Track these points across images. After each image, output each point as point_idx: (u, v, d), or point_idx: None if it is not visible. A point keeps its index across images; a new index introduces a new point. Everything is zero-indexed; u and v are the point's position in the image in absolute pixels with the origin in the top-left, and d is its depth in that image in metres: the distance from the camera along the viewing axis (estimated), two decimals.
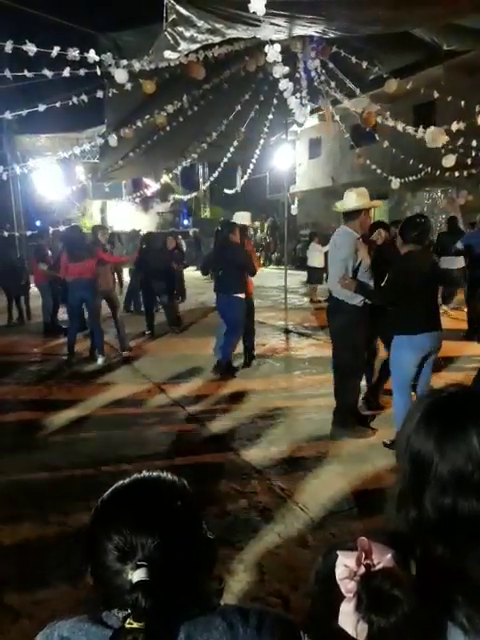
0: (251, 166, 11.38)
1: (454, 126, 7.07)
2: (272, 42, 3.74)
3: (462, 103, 7.12)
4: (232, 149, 9.68)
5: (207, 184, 13.58)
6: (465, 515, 0.88)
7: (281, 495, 3.44)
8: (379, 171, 10.44)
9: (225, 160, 10.08)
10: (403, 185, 10.45)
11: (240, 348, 6.46)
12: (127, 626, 0.76)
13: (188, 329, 8.92)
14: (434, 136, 6.88)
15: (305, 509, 3.26)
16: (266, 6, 3.19)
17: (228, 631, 0.86)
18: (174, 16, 3.58)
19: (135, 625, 0.76)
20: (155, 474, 0.95)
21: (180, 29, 3.88)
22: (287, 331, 8.50)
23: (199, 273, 10.17)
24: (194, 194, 16.61)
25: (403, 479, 0.97)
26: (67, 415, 4.92)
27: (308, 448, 4.12)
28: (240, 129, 9.33)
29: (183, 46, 4.85)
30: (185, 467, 3.79)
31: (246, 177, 11.61)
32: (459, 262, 9.01)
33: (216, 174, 11.54)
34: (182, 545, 0.84)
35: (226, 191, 14.04)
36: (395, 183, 9.87)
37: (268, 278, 14.18)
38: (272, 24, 3.82)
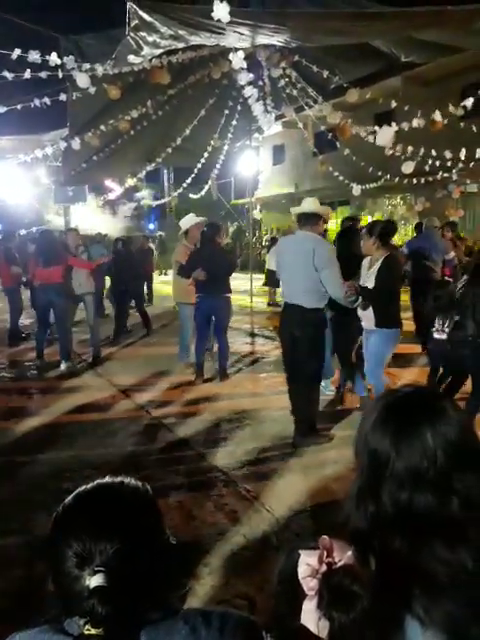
0: (216, 171, 11.43)
1: (408, 129, 7.29)
2: (236, 49, 3.79)
3: (419, 113, 7.35)
4: (206, 155, 9.72)
5: (179, 190, 13.53)
6: (420, 510, 0.91)
7: (247, 497, 3.47)
8: (341, 178, 10.66)
9: (199, 166, 10.10)
10: (364, 192, 10.70)
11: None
12: (85, 633, 0.76)
13: (153, 334, 8.87)
14: (383, 135, 7.08)
15: (271, 510, 3.30)
16: (229, 14, 3.24)
17: (191, 635, 0.86)
18: (137, 21, 3.59)
19: (93, 631, 0.76)
20: (118, 480, 0.95)
21: (143, 34, 3.89)
22: (253, 334, 8.56)
23: (164, 276, 10.11)
24: (163, 200, 16.54)
25: (361, 476, 0.99)
26: (29, 423, 4.81)
27: (273, 449, 4.17)
28: (209, 136, 9.39)
29: (146, 51, 4.85)
30: (150, 472, 3.77)
31: (211, 183, 11.66)
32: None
33: (189, 180, 11.53)
34: (142, 551, 0.84)
35: (192, 196, 14.05)
36: (356, 190, 10.10)
37: (233, 282, 14.23)
38: (235, 32, 3.87)
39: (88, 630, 0.76)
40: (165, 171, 22.33)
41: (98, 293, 10.03)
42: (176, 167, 18.40)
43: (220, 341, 6.10)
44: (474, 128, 7.14)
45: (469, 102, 6.75)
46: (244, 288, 12.09)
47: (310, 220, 4.12)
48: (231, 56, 3.96)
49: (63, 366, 6.62)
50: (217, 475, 3.77)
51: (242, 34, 3.87)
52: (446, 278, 7.33)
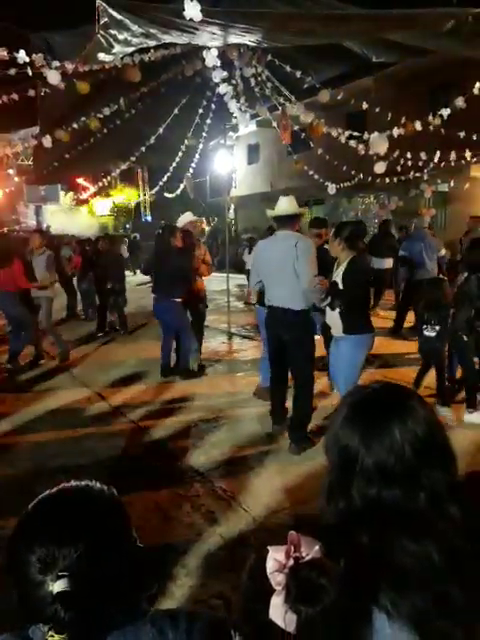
0: (191, 170, 11.39)
1: (388, 134, 7.38)
2: (209, 48, 3.78)
3: (389, 114, 7.45)
4: (180, 154, 9.68)
5: (155, 189, 13.43)
6: (389, 504, 0.93)
7: (223, 497, 3.47)
8: (316, 177, 10.74)
9: (174, 165, 10.05)
10: (339, 191, 10.80)
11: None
12: (48, 639, 0.76)
13: (129, 334, 8.79)
14: (376, 142, 7.16)
15: (248, 509, 3.31)
16: (201, 13, 3.23)
17: (158, 637, 0.86)
18: (106, 19, 3.54)
19: (57, 638, 0.75)
20: (83, 483, 0.94)
21: (113, 32, 3.85)
22: (230, 334, 8.56)
23: (138, 277, 10.03)
24: (139, 200, 16.38)
25: (332, 472, 1.01)
26: (0, 427, 4.73)
27: (250, 448, 4.17)
28: (183, 135, 9.36)
29: (117, 49, 4.80)
30: (126, 474, 3.75)
31: (187, 182, 11.61)
32: (387, 263, 9.42)
33: (165, 179, 11.46)
34: (107, 554, 0.84)
35: (167, 195, 13.95)
36: (331, 189, 10.19)
37: (210, 282, 14.18)
38: (207, 31, 3.86)
39: (51, 636, 0.75)
40: (140, 170, 22.16)
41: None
42: (150, 166, 18.26)
43: (179, 340, 6.05)
44: (443, 130, 7.26)
45: (446, 112, 6.87)
46: (222, 287, 12.08)
47: (289, 220, 4.12)
48: (205, 54, 3.93)
49: (9, 365, 6.50)
50: (193, 475, 3.76)
51: (214, 33, 3.87)
52: (440, 276, 7.50)
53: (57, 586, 0.78)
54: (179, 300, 5.81)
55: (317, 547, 0.99)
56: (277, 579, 0.94)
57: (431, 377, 4.92)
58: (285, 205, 4.16)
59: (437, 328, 4.69)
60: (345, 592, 0.92)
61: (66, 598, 0.76)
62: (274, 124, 9.82)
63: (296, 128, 9.28)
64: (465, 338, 4.26)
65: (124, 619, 0.86)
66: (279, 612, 0.92)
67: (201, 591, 2.62)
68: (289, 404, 4.43)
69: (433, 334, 4.72)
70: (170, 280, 5.69)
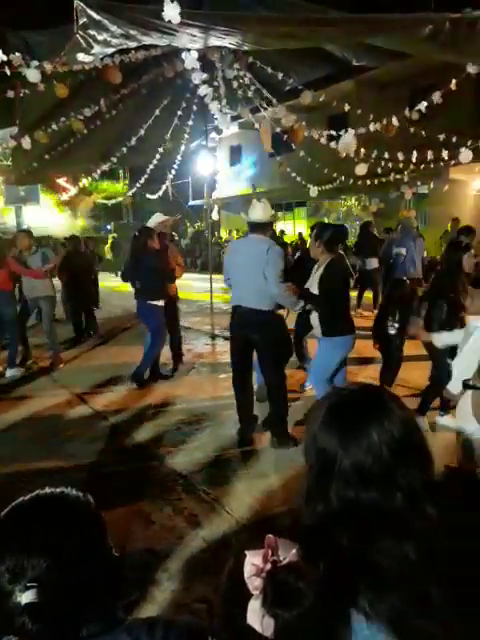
0: (173, 172, 11.35)
1: (363, 134, 7.45)
2: (189, 49, 3.77)
3: (371, 116, 7.52)
4: (158, 156, 9.63)
5: (133, 190, 13.34)
6: (367, 506, 0.93)
7: (206, 500, 3.46)
8: (298, 179, 10.79)
9: (151, 166, 10.00)
10: (320, 193, 10.87)
11: (169, 354, 6.49)
12: None
13: (109, 337, 8.72)
14: (346, 143, 7.21)
15: (230, 512, 3.30)
16: (180, 15, 3.22)
17: None
18: (85, 19, 3.51)
19: None
20: (59, 490, 0.93)
21: (92, 33, 3.82)
22: (213, 336, 8.55)
23: (118, 279, 9.91)
24: (119, 199, 16.23)
25: (310, 475, 1.00)
26: None
27: (233, 451, 4.17)
28: (165, 136, 9.32)
29: (97, 50, 4.75)
30: (107, 478, 3.72)
31: (169, 183, 11.57)
32: (373, 263, 9.51)
33: (142, 180, 11.40)
34: (78, 564, 0.83)
35: (149, 196, 13.88)
36: (313, 191, 10.23)
37: (193, 283, 14.17)
38: (187, 34, 3.85)
39: None
40: (121, 171, 22.03)
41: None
42: (132, 167, 18.14)
43: (148, 344, 5.86)
44: (423, 132, 7.35)
45: (423, 105, 6.95)
46: (204, 289, 12.06)
47: (263, 226, 4.15)
48: (184, 56, 3.92)
49: (8, 373, 6.42)
50: (176, 479, 3.74)
51: (194, 36, 3.86)
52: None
53: (25, 597, 0.77)
54: (159, 303, 5.75)
55: (295, 550, 0.99)
56: (255, 583, 0.94)
57: (412, 377, 4.97)
58: (260, 213, 4.15)
59: (397, 326, 4.82)
60: (323, 595, 0.92)
61: (34, 610, 0.75)
62: (256, 126, 9.85)
63: (278, 130, 9.32)
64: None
65: (99, 629, 0.85)
66: (257, 617, 0.92)
67: (184, 595, 2.60)
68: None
69: (393, 331, 4.85)
70: (150, 283, 5.65)
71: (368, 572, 0.90)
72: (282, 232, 16.22)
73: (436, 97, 5.42)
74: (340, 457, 0.95)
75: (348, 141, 7.20)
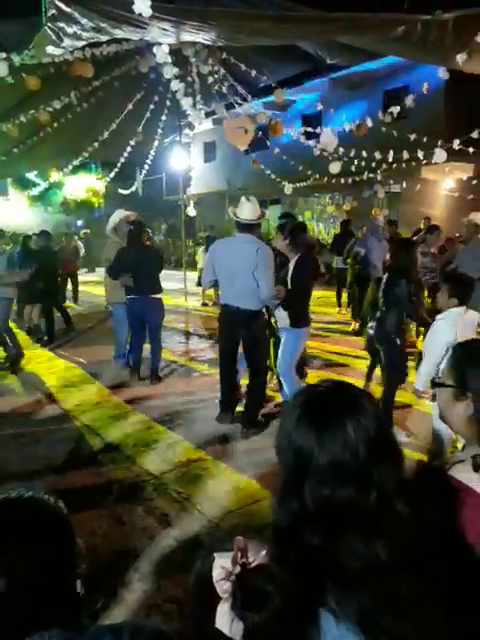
0: (146, 166, 11.24)
1: (339, 132, 7.52)
2: (160, 44, 3.72)
3: (343, 115, 7.58)
4: (129, 149, 9.51)
5: (103, 184, 13.17)
6: (341, 504, 0.91)
7: (178, 499, 3.44)
8: (273, 176, 10.80)
9: (122, 160, 9.87)
10: (295, 190, 10.91)
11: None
12: None
13: (81, 335, 8.59)
14: (326, 138, 7.26)
15: (202, 511, 3.29)
16: (152, 9, 3.18)
17: None
18: (54, 11, 3.43)
19: None
20: (27, 494, 0.90)
21: (62, 25, 3.73)
22: (187, 334, 8.50)
23: (90, 276, 9.76)
24: (89, 194, 16.00)
25: (284, 474, 0.98)
26: None
27: (206, 449, 4.15)
28: (137, 130, 9.20)
29: (68, 42, 4.66)
30: (78, 479, 3.66)
31: (142, 177, 11.46)
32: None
33: (112, 174, 11.26)
34: (40, 570, 0.81)
35: (121, 191, 13.72)
36: (288, 188, 10.27)
37: (167, 280, 14.07)
38: (158, 27, 3.80)
39: None
40: (93, 166, 21.71)
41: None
42: (104, 162, 17.90)
43: (152, 342, 5.99)
44: (395, 132, 7.45)
45: (396, 110, 7.05)
46: (178, 287, 11.98)
47: (251, 226, 4.21)
48: (155, 50, 3.87)
49: None
50: (148, 479, 3.71)
51: (166, 30, 3.81)
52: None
53: None
54: (160, 297, 5.86)
55: (264, 552, 0.99)
56: (223, 587, 0.93)
57: None
58: (249, 213, 4.19)
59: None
60: (291, 595, 0.92)
61: None
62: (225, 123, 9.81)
63: (253, 127, 9.31)
64: (397, 341, 4.33)
65: (60, 637, 0.83)
66: (225, 620, 0.91)
67: (155, 596, 2.58)
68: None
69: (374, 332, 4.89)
70: (151, 277, 5.69)
71: (338, 571, 0.90)
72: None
73: (409, 101, 5.50)
74: (316, 455, 0.93)
75: (327, 140, 7.24)
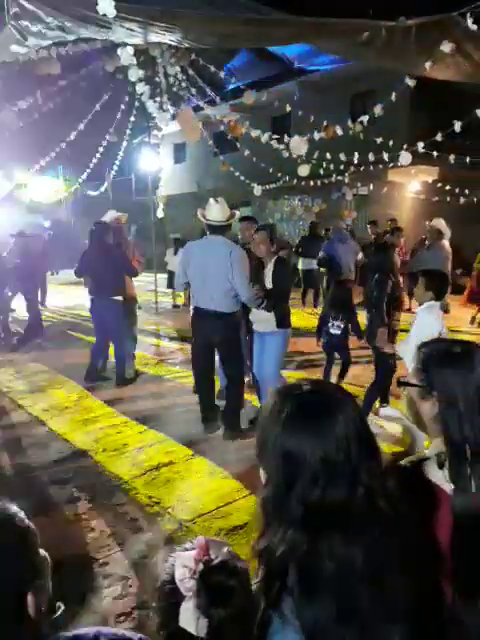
0: (115, 167, 11.13)
1: (309, 137, 7.58)
2: (125, 45, 3.68)
3: (312, 118, 7.66)
4: (101, 149, 9.40)
5: (75, 187, 12.95)
6: (332, 503, 0.91)
7: (148, 503, 3.41)
8: (242, 178, 10.84)
9: (93, 162, 9.76)
10: (265, 192, 10.97)
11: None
12: None
13: (51, 338, 8.43)
14: (296, 144, 7.31)
15: (173, 514, 3.27)
16: (116, 9, 3.14)
17: None
18: (16, 9, 3.36)
19: None
20: None
21: (25, 23, 3.66)
22: (159, 336, 8.44)
23: (56, 275, 9.58)
24: (58, 197, 15.66)
25: (274, 476, 0.96)
26: None
27: (176, 452, 4.13)
28: (106, 131, 9.11)
29: (32, 41, 4.56)
30: (46, 485, 3.60)
31: (111, 177, 11.34)
32: (315, 263, 9.69)
33: (84, 176, 11.09)
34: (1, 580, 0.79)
35: (90, 193, 13.53)
36: (257, 190, 10.32)
37: (136, 281, 13.93)
38: (125, 28, 3.77)
39: None
40: (60, 166, 21.32)
41: None
42: (71, 163, 17.61)
43: (114, 345, 5.89)
44: (362, 136, 7.56)
45: (365, 118, 7.15)
46: (149, 288, 11.87)
47: (222, 228, 4.18)
48: (119, 51, 3.83)
49: None
50: (118, 483, 3.67)
51: (132, 30, 3.78)
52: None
53: None
54: (120, 299, 5.71)
55: (226, 549, 0.99)
56: (187, 585, 0.93)
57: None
58: (218, 214, 4.15)
59: (342, 325, 5.02)
60: (255, 593, 0.92)
61: None
62: (200, 124, 9.80)
63: (221, 129, 9.33)
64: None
65: None
66: (191, 618, 0.91)
67: (126, 602, 2.56)
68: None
69: (339, 332, 5.03)
70: (110, 279, 5.56)
71: (305, 578, 0.89)
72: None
73: (377, 110, 5.61)
74: (308, 456, 0.92)
75: (296, 146, 7.29)
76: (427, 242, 7.86)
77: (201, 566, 0.94)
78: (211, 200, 4.23)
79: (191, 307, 4.54)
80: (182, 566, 0.96)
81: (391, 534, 0.93)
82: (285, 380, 4.53)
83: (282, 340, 4.39)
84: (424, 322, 3.43)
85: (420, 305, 3.58)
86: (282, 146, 8.35)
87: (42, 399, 5.42)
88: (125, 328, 5.96)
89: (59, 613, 0.99)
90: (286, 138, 7.81)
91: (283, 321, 4.35)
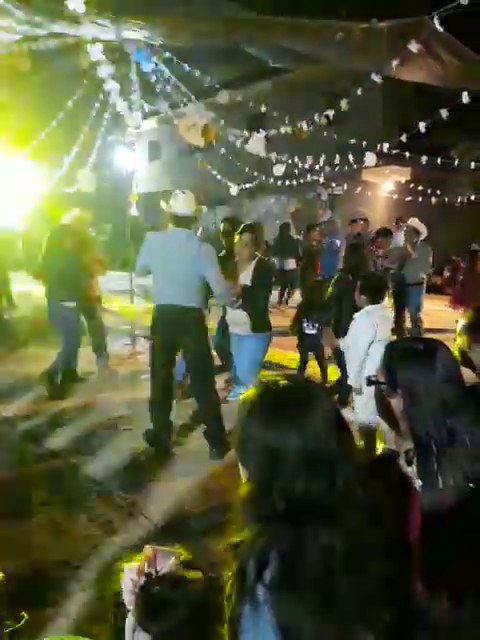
0: (89, 165, 10.95)
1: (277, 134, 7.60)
2: (95, 41, 3.64)
3: (287, 118, 7.68)
4: (76, 148, 9.24)
5: (48, 183, 12.73)
6: (313, 496, 0.91)
7: (122, 505, 3.38)
8: (219, 177, 10.80)
9: (69, 161, 9.59)
10: (241, 192, 10.97)
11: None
12: None
13: (20, 340, 8.24)
14: (254, 143, 7.32)
15: (147, 517, 3.24)
16: (86, 5, 3.10)
17: None
18: None
19: None
20: None
21: None
22: (133, 336, 8.35)
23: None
24: (31, 194, 15.34)
25: (255, 474, 0.96)
26: None
27: (151, 454, 4.09)
28: (83, 127, 8.96)
29: (1, 36, 4.48)
30: (17, 488, 3.53)
31: (83, 177, 11.15)
32: (291, 263, 9.75)
33: (60, 173, 10.90)
34: None
35: (66, 191, 13.31)
36: (234, 190, 10.30)
37: (113, 281, 13.75)
38: (96, 24, 3.71)
39: None
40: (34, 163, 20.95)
41: None
42: (44, 160, 17.31)
43: (64, 349, 5.55)
44: (335, 136, 7.63)
45: (331, 113, 7.19)
46: (124, 288, 11.72)
47: (187, 219, 3.95)
48: (88, 47, 3.77)
49: None
50: (91, 486, 3.62)
51: (104, 26, 3.72)
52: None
53: None
54: (71, 304, 5.41)
55: (173, 559, 0.97)
56: (129, 598, 0.91)
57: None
58: (184, 205, 3.94)
59: (316, 325, 5.07)
60: (204, 602, 0.90)
61: None
62: (175, 122, 9.72)
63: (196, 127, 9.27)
64: None
65: None
66: (129, 633, 0.90)
67: (98, 607, 2.52)
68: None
69: (313, 331, 5.08)
70: (60, 282, 5.33)
71: (289, 569, 0.88)
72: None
73: (343, 104, 5.66)
74: (289, 452, 0.92)
75: (256, 144, 7.30)
76: (403, 241, 7.80)
77: (143, 579, 0.92)
78: (177, 191, 4.03)
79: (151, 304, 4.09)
80: (128, 578, 0.94)
81: (369, 523, 0.94)
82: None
83: (259, 344, 4.26)
84: (355, 329, 3.45)
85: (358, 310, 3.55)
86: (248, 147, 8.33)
87: (12, 401, 5.30)
88: (75, 335, 5.66)
89: (22, 623, 0.96)
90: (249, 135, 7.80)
91: (261, 325, 4.21)
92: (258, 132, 7.46)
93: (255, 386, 1.05)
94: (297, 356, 5.62)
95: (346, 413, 4.71)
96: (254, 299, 4.15)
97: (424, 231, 7.08)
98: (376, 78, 4.65)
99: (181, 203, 3.95)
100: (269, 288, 4.46)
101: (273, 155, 8.38)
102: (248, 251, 4.24)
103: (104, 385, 5.84)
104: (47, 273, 5.50)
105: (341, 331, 4.46)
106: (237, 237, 4.37)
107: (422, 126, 5.40)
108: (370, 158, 6.16)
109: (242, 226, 4.61)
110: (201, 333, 3.94)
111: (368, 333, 3.32)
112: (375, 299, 3.48)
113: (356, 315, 3.55)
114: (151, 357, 4.07)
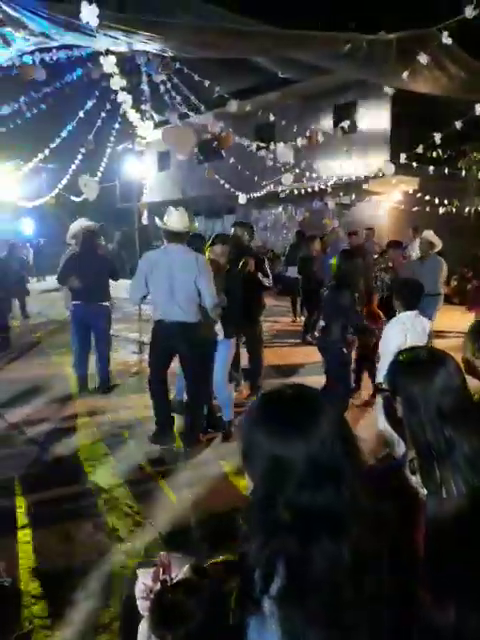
0: (99, 174, 11.05)
1: (293, 145, 7.65)
2: (108, 53, 3.70)
3: (295, 127, 7.74)
4: (80, 156, 9.33)
5: (54, 191, 12.84)
6: (320, 505, 0.91)
7: (128, 513, 3.37)
8: (227, 186, 10.86)
9: (72, 167, 9.68)
10: (249, 201, 11.02)
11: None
12: None
13: (28, 348, 8.30)
14: (283, 152, 7.37)
15: (153, 524, 3.24)
16: (99, 18, 3.15)
17: None
18: (0, 15, 3.35)
19: None
20: None
21: (9, 29, 3.65)
22: (140, 344, 8.37)
23: (40, 285, 9.46)
24: (40, 201, 15.49)
25: (262, 482, 0.96)
26: None
27: (157, 462, 4.10)
28: (88, 137, 9.05)
29: (16, 47, 4.56)
30: (25, 495, 3.54)
31: (89, 186, 11.26)
32: (295, 271, 9.71)
33: (64, 181, 11.01)
34: None
35: (74, 199, 13.43)
36: (242, 198, 10.34)
37: (120, 288, 13.83)
38: (109, 36, 3.78)
39: None
40: (43, 174, 21.18)
41: None
42: (55, 169, 17.50)
43: (98, 351, 5.87)
44: (345, 146, 7.67)
45: (346, 124, 7.25)
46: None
47: (181, 235, 4.09)
48: (102, 59, 3.84)
49: None
50: (97, 493, 3.62)
51: (116, 38, 3.79)
52: None
53: None
54: (107, 304, 5.76)
55: (187, 567, 0.97)
56: (144, 605, 0.91)
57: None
58: (179, 221, 4.06)
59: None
60: (217, 610, 0.90)
61: None
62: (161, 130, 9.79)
63: (207, 137, 9.34)
64: (345, 351, 4.46)
65: None
66: (144, 639, 0.89)
67: (104, 614, 2.52)
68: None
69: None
70: (98, 283, 5.59)
71: (296, 579, 0.88)
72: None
73: (360, 117, 5.71)
74: (297, 461, 0.92)
75: (285, 152, 7.36)
76: (416, 253, 7.64)
77: (158, 585, 0.92)
78: (171, 208, 4.15)
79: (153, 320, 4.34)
80: (142, 584, 0.94)
81: (375, 533, 0.94)
82: (231, 387, 4.69)
83: (226, 349, 4.39)
84: (387, 334, 3.46)
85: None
86: (270, 154, 8.39)
87: (22, 408, 5.33)
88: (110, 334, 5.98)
89: (14, 637, 0.96)
90: (272, 145, 7.87)
91: (228, 331, 4.35)
92: (269, 141, 7.51)
93: (262, 394, 1.06)
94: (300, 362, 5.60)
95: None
96: (228, 307, 4.28)
97: (439, 244, 6.95)
98: (388, 90, 4.68)
99: (173, 219, 4.07)
100: (238, 296, 4.55)
101: (280, 163, 8.42)
102: (222, 262, 4.36)
103: (110, 393, 5.85)
104: (83, 275, 5.57)
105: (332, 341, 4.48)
106: (208, 249, 4.48)
107: (437, 138, 5.43)
108: (388, 168, 6.17)
109: (213, 237, 4.66)
110: (200, 345, 4.17)
111: (398, 338, 3.32)
112: (409, 305, 3.48)
113: (391, 320, 3.60)
114: (150, 363, 4.44)
